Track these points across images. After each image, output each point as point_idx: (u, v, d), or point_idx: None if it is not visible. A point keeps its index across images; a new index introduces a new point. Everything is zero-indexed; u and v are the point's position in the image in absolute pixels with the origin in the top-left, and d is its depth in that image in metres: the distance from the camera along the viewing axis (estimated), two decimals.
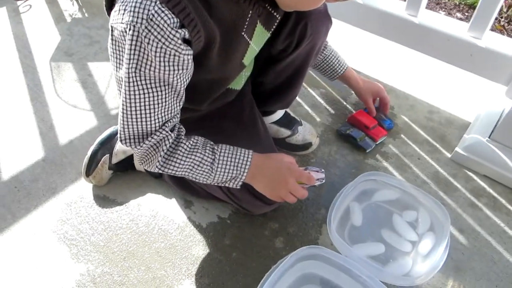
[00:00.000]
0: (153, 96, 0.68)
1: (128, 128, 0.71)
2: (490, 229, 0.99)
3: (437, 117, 1.26)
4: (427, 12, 1.20)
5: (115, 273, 0.91)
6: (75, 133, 1.20)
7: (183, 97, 0.74)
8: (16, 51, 1.49)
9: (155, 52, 0.62)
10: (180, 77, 0.68)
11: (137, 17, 0.59)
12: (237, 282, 0.90)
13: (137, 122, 0.70)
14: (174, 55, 0.64)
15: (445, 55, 1.19)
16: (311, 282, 0.86)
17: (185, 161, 0.75)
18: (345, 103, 1.31)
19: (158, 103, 0.69)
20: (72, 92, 1.33)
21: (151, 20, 0.59)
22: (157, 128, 0.71)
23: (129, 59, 0.63)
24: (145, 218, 1.00)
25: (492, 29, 1.32)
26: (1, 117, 1.25)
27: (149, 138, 0.71)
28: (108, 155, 1.04)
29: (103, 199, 1.04)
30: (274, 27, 0.80)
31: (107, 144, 1.05)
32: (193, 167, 0.76)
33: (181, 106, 0.75)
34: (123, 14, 0.61)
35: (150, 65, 0.64)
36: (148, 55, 0.63)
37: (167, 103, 0.70)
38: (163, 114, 0.71)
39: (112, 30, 0.65)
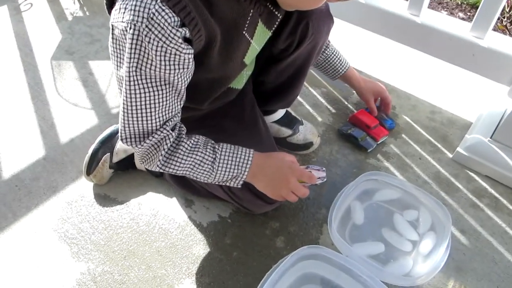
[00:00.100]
0: (154, 95, 0.67)
1: (129, 127, 0.70)
2: (491, 230, 0.99)
3: (439, 117, 1.26)
4: (429, 12, 1.20)
5: (115, 272, 0.91)
6: (76, 131, 1.20)
7: (184, 96, 0.74)
8: (17, 49, 1.48)
9: (156, 51, 0.62)
10: (180, 76, 0.68)
11: (138, 16, 0.59)
12: (237, 282, 0.89)
13: (138, 121, 0.70)
14: (175, 54, 0.63)
15: (447, 55, 1.18)
16: (312, 281, 0.86)
17: (186, 160, 0.75)
18: (346, 102, 1.30)
19: (159, 102, 0.69)
20: (73, 90, 1.33)
21: (152, 19, 0.59)
22: (158, 127, 0.71)
23: (130, 58, 0.63)
24: (146, 217, 1.00)
25: (494, 29, 1.31)
26: (2, 115, 1.25)
27: (150, 137, 0.71)
28: (109, 154, 1.03)
29: (104, 198, 1.04)
30: (275, 26, 0.80)
31: (108, 143, 1.05)
32: (194, 166, 0.76)
33: (182, 105, 0.75)
34: (124, 12, 0.61)
35: (151, 64, 0.64)
36: (148, 54, 0.63)
37: (168, 102, 0.70)
38: (164, 113, 0.71)
39: (112, 29, 0.65)
